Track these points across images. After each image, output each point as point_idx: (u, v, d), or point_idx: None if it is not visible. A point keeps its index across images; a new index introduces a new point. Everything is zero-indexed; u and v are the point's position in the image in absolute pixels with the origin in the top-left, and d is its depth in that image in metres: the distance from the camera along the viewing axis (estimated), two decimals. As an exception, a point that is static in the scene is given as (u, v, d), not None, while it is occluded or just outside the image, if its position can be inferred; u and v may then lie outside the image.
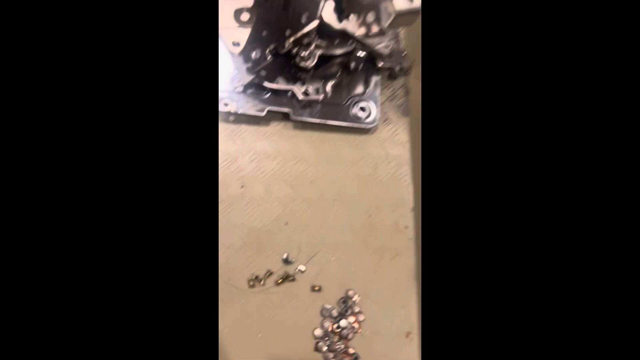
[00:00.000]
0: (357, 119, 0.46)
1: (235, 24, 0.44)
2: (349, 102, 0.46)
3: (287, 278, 0.41)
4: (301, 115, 0.45)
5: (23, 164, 0.23)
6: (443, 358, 0.24)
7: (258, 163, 0.46)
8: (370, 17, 0.43)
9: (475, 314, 0.24)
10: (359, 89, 0.48)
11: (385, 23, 0.43)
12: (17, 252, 0.23)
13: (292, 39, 0.40)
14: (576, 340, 0.23)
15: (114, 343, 0.24)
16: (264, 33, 0.42)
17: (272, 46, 0.42)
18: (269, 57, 0.42)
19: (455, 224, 0.25)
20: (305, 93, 0.45)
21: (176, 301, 0.24)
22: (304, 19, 0.40)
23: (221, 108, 0.44)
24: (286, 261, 0.42)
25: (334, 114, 0.46)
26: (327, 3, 0.40)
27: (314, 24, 0.40)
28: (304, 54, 0.42)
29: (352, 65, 0.48)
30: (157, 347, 0.24)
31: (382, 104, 0.48)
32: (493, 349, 0.24)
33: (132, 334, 0.24)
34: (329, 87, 0.47)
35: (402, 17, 0.38)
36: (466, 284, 0.25)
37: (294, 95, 0.45)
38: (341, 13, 0.42)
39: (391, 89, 0.49)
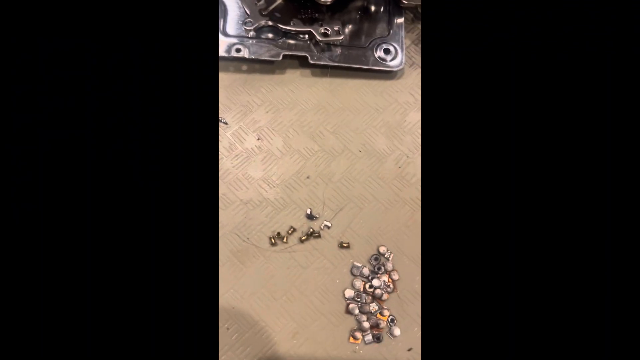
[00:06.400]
0: (381, 61, 0.42)
1: (245, -38, 0.41)
2: (371, 44, 0.43)
3: (311, 235, 0.37)
4: (320, 59, 0.41)
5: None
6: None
7: (275, 114, 0.42)
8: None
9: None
10: (382, 31, 0.44)
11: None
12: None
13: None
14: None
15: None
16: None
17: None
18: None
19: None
20: (325, 34, 0.41)
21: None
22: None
23: (233, 54, 0.40)
24: (310, 217, 0.38)
25: (356, 57, 0.42)
26: None
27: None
28: (322, -13, 0.38)
29: (372, 8, 0.44)
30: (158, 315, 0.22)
31: (407, 47, 0.44)
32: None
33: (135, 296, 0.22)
34: (347, 30, 0.43)
35: None
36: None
37: (311, 37, 0.41)
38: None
39: (416, 32, 0.45)
